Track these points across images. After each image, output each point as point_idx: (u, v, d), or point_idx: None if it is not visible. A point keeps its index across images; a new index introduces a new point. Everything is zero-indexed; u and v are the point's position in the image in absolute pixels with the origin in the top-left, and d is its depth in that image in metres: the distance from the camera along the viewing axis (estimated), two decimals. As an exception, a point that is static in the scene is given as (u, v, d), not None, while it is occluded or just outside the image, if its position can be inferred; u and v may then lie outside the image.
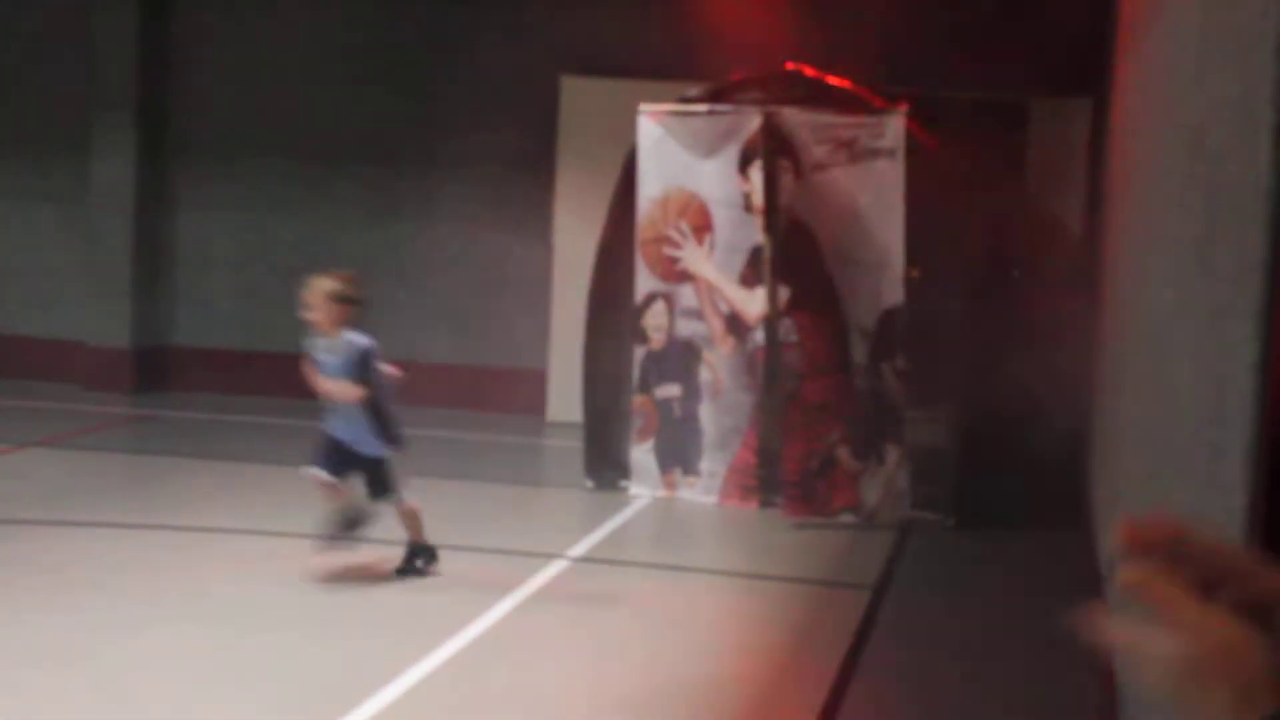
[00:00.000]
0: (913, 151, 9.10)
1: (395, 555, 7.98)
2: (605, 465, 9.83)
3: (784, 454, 9.36)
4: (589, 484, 9.80)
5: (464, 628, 6.60)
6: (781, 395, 9.39)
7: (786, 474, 9.37)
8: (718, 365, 9.54)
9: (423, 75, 12.66)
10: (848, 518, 9.22)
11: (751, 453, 9.47)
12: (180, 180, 13.15)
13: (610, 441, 9.82)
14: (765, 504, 9.41)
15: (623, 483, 9.77)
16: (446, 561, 7.86)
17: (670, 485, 9.65)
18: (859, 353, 9.23)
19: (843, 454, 9.27)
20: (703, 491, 9.58)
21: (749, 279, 9.40)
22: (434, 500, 9.42)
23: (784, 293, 9.33)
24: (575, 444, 10.17)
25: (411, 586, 7.34)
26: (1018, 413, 9.93)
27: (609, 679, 6.15)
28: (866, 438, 9.23)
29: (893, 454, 9.19)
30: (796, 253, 9.32)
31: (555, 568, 7.85)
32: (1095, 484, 8.24)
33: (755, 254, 9.37)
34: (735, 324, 9.46)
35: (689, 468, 9.63)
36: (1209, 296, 3.22)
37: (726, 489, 9.53)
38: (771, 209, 9.26)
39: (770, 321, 9.35)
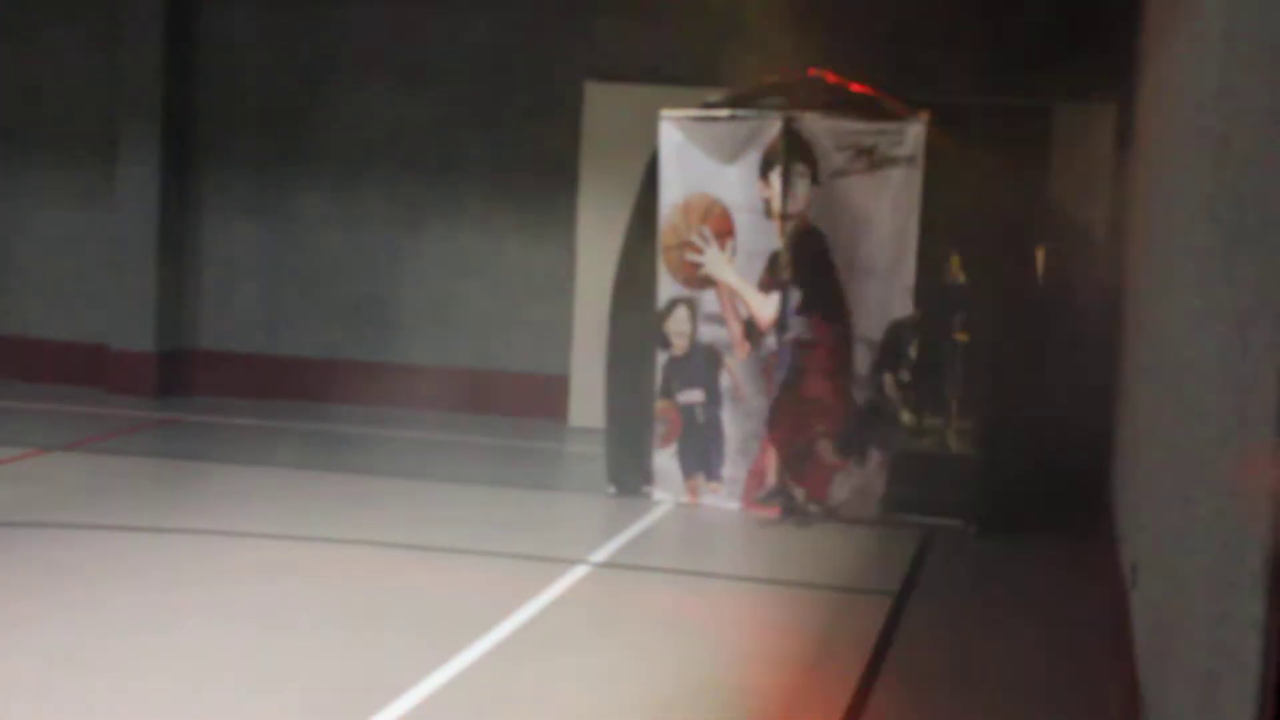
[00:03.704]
0: (936, 158, 9.09)
1: (411, 561, 8.01)
2: (628, 471, 9.82)
3: (765, 441, 9.40)
4: (611, 489, 9.80)
5: (486, 633, 6.61)
6: (778, 389, 9.42)
7: (762, 462, 9.41)
8: (737, 370, 9.54)
9: (446, 81, 12.69)
10: (812, 509, 9.23)
11: (770, 457, 9.48)
12: (205, 185, 13.20)
13: (633, 447, 9.82)
14: (786, 510, 9.40)
15: (646, 488, 9.77)
16: (469, 567, 7.87)
17: (693, 491, 9.65)
18: (862, 363, 9.23)
19: (823, 447, 9.28)
20: (726, 497, 9.57)
21: (767, 284, 9.42)
22: (456, 505, 9.46)
23: (798, 294, 9.36)
24: (597, 449, 10.18)
25: (433, 591, 7.35)
26: (1041, 419, 9.91)
27: (632, 685, 6.15)
28: (852, 437, 9.24)
29: (875, 457, 9.19)
30: (807, 259, 9.33)
31: (578, 573, 7.86)
32: (1118, 490, 8.22)
33: (773, 259, 9.38)
34: (752, 329, 9.47)
35: (711, 473, 9.62)
36: (1234, 303, 3.21)
37: (748, 493, 9.53)
38: (786, 214, 9.28)
39: (779, 323, 9.37)
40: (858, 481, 9.25)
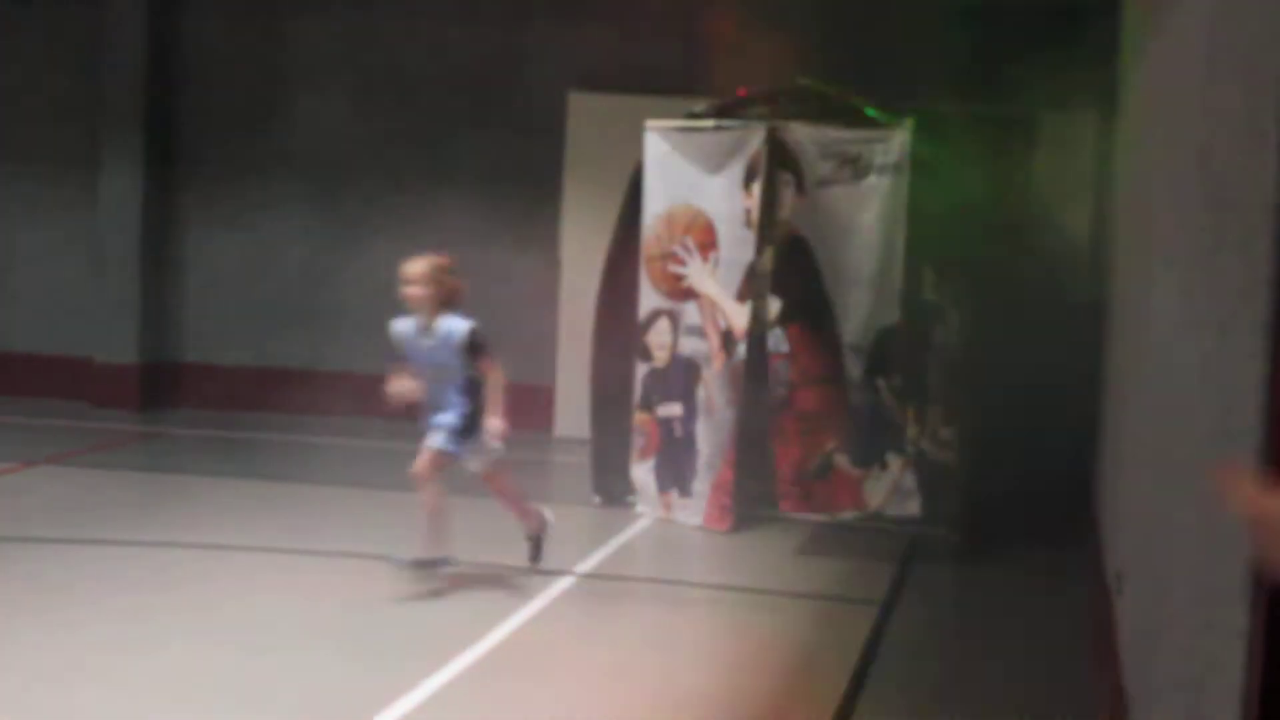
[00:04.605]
0: (920, 166, 9.11)
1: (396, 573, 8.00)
2: (613, 481, 9.79)
3: (778, 458, 9.31)
4: (596, 500, 9.79)
5: (472, 644, 6.60)
6: (773, 403, 9.35)
7: (783, 476, 9.33)
8: (711, 382, 9.37)
9: (430, 91, 12.69)
10: (849, 515, 9.20)
11: (731, 469, 9.22)
12: (188, 196, 13.18)
13: (618, 457, 9.79)
14: (739, 525, 9.18)
15: (630, 499, 9.74)
16: (454, 578, 7.85)
17: (667, 506, 9.52)
18: (853, 368, 9.21)
19: (841, 461, 9.25)
20: (692, 514, 9.37)
21: (744, 294, 9.29)
22: (441, 516, 9.44)
23: (776, 305, 9.29)
24: (583, 460, 10.17)
25: (420, 603, 7.33)
26: (1025, 427, 9.93)
27: (618, 695, 6.14)
28: (866, 447, 9.21)
29: (896, 461, 9.21)
30: (792, 268, 9.29)
31: (563, 584, 7.84)
32: (1102, 497, 8.23)
33: (751, 269, 9.30)
34: (728, 339, 9.32)
35: (684, 489, 9.43)
36: (1215, 310, 3.22)
37: (709, 510, 9.28)
38: (768, 223, 9.22)
39: (759, 333, 9.31)
40: (888, 484, 9.23)
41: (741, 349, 9.22)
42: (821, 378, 9.29)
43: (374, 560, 8.15)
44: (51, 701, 5.69)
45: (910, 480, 9.21)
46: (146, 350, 12.99)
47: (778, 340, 9.32)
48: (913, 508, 9.22)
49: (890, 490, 9.23)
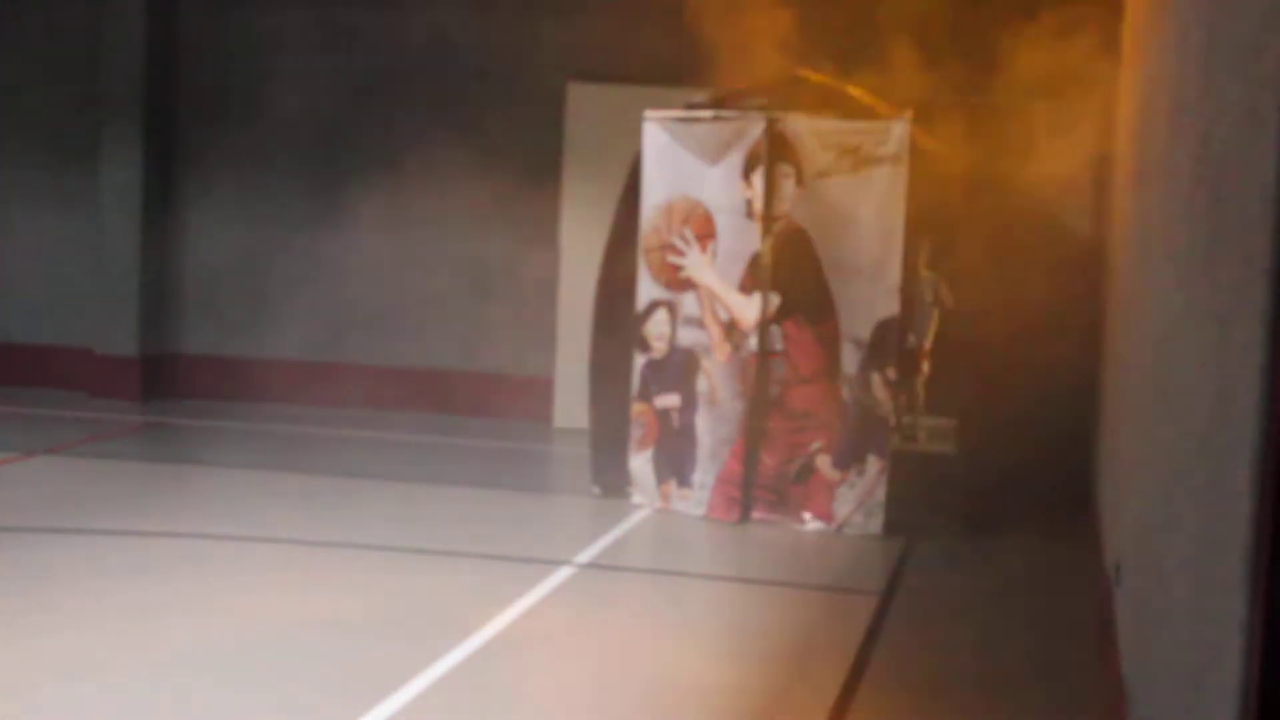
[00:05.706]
0: (919, 157, 9.09)
1: (396, 563, 8.00)
2: (612, 472, 9.79)
3: (761, 458, 9.25)
4: (596, 490, 9.79)
5: (471, 634, 6.60)
6: (764, 401, 9.31)
7: (761, 477, 9.25)
8: (714, 373, 9.39)
9: (430, 81, 12.68)
10: (815, 526, 9.13)
11: (738, 461, 9.28)
12: (188, 187, 13.17)
13: (617, 448, 9.79)
14: (745, 515, 9.25)
15: (630, 489, 9.74)
16: (454, 568, 7.86)
17: (666, 497, 9.55)
18: (850, 362, 9.14)
19: (822, 462, 9.16)
20: (694, 504, 9.42)
21: (748, 285, 9.31)
22: (441, 506, 9.45)
23: (775, 300, 9.25)
24: (582, 450, 10.18)
25: (419, 593, 7.34)
26: (1025, 418, 9.92)
27: (617, 685, 6.15)
28: (850, 447, 9.12)
29: (874, 465, 9.07)
30: (792, 259, 9.27)
31: (562, 574, 7.85)
32: (1102, 488, 8.24)
33: (755, 260, 9.30)
34: (732, 331, 9.33)
35: (683, 480, 9.47)
36: (1215, 301, 3.22)
37: (713, 500, 9.35)
38: (769, 215, 9.21)
39: (759, 328, 9.28)
40: (859, 493, 9.10)
41: (752, 341, 9.24)
42: (813, 375, 9.23)
43: (373, 550, 8.17)
44: (52, 690, 5.70)
45: (881, 492, 9.07)
46: (146, 341, 12.99)
47: (773, 338, 9.28)
48: (875, 526, 9.08)
49: (858, 503, 9.08)
